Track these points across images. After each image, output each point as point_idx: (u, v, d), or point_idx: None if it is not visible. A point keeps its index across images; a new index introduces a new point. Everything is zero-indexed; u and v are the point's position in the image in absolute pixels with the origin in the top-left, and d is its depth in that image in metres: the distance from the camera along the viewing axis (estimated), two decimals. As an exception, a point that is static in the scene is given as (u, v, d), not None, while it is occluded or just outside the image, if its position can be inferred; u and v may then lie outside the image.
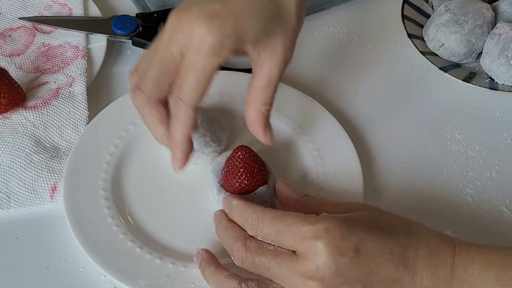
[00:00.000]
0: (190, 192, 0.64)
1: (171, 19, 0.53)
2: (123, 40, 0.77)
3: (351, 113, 0.74)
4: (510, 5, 0.76)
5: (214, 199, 0.61)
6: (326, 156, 0.67)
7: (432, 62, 0.76)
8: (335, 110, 0.73)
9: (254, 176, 0.59)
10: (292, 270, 0.49)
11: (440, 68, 0.75)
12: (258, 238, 0.52)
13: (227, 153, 0.62)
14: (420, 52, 0.76)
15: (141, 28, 0.77)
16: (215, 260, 0.55)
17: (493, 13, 0.76)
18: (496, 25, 0.75)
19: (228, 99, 0.71)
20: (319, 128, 0.69)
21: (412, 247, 0.50)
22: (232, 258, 0.53)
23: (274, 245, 0.51)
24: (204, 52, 0.50)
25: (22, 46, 0.76)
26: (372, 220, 0.52)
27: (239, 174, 0.59)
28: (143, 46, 0.76)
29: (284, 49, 0.54)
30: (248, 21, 0.52)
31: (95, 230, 0.60)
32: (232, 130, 0.69)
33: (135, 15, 0.78)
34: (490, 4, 0.77)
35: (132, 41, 0.76)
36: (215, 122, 0.65)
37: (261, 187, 0.59)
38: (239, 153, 0.59)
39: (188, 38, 0.51)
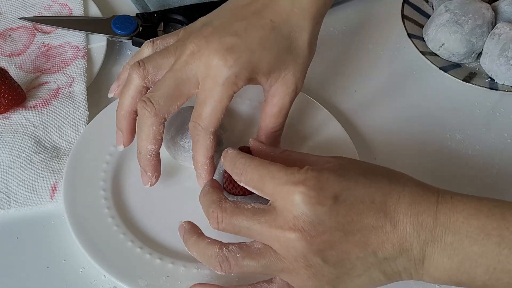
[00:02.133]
0: (191, 192, 0.64)
1: (191, 45, 0.57)
2: (123, 40, 0.77)
3: (351, 112, 0.74)
4: (510, 5, 0.76)
5: None
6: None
7: (432, 62, 0.76)
8: (335, 110, 0.73)
9: None
10: (272, 223, 0.49)
11: (440, 68, 0.75)
12: (241, 184, 0.53)
13: None
14: (420, 52, 0.76)
15: (141, 28, 0.77)
16: (197, 230, 0.55)
17: (493, 13, 0.76)
18: (496, 25, 0.75)
19: None
20: (319, 128, 0.69)
21: (393, 195, 0.49)
22: (209, 222, 0.53)
23: (251, 204, 0.51)
24: (221, 83, 0.55)
25: (22, 46, 0.76)
26: (353, 169, 0.51)
27: None
28: None
29: (295, 80, 0.59)
30: (262, 55, 0.57)
31: (95, 230, 0.60)
32: (232, 130, 0.69)
33: (135, 15, 0.78)
34: (490, 4, 0.77)
35: (132, 41, 0.76)
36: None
37: None
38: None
39: (206, 69, 0.56)
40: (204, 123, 0.57)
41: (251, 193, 0.59)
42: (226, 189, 0.60)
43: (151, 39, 0.63)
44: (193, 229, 0.55)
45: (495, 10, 0.77)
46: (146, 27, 0.77)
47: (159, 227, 0.62)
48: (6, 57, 0.75)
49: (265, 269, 0.51)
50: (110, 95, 0.65)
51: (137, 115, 0.59)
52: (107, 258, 0.58)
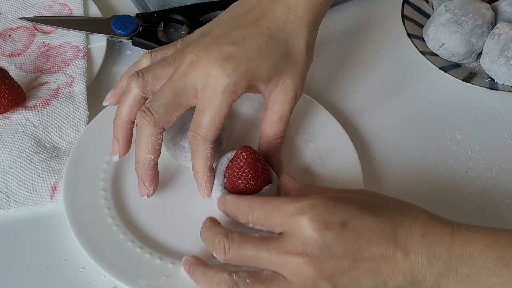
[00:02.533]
0: (191, 192, 0.64)
1: (189, 55, 0.57)
2: (123, 40, 0.77)
3: (351, 113, 0.74)
4: (510, 5, 0.76)
5: None
6: (326, 156, 0.67)
7: (432, 62, 0.76)
8: (335, 110, 0.73)
9: (259, 175, 0.59)
10: (281, 250, 0.49)
11: (440, 68, 0.75)
12: (249, 225, 0.53)
13: (229, 155, 0.62)
14: (420, 52, 0.76)
15: (141, 28, 0.77)
16: (203, 262, 0.55)
17: (493, 13, 0.76)
18: (496, 25, 0.75)
19: None
20: (319, 128, 0.69)
21: (404, 226, 0.49)
22: (214, 254, 0.53)
23: (257, 233, 0.52)
24: (220, 92, 0.56)
25: (22, 46, 0.76)
26: (365, 200, 0.51)
27: (244, 174, 0.58)
28: (143, 46, 0.76)
29: (294, 87, 0.59)
30: (261, 62, 0.57)
31: (95, 230, 0.60)
32: (232, 130, 0.69)
33: (135, 15, 0.78)
34: (490, 4, 0.77)
35: (132, 41, 0.76)
36: None
37: (266, 187, 0.59)
38: (243, 153, 0.59)
39: (205, 78, 0.56)
40: (203, 132, 0.57)
41: (254, 191, 0.59)
42: (228, 188, 0.60)
43: (149, 50, 0.64)
44: (198, 262, 0.55)
45: (495, 10, 0.77)
46: (146, 27, 0.77)
47: (159, 227, 0.62)
48: (6, 57, 0.75)
49: None
50: (105, 103, 0.65)
51: (134, 125, 0.60)
52: (107, 258, 0.58)
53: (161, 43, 0.76)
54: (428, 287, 0.48)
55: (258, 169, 0.59)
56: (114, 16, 0.77)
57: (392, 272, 0.48)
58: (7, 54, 0.75)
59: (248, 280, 0.51)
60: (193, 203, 0.64)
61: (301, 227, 0.48)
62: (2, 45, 0.76)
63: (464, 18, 0.74)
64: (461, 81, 0.74)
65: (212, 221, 0.55)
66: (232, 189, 0.59)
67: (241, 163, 0.59)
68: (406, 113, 0.75)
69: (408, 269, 0.48)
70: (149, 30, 0.77)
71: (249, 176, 0.59)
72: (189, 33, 0.77)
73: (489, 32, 0.75)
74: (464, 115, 0.75)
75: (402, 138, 0.72)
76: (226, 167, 0.61)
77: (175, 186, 0.65)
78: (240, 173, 0.59)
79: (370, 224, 0.49)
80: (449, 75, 0.75)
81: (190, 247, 0.60)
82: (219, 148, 0.65)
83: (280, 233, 0.50)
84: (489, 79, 0.76)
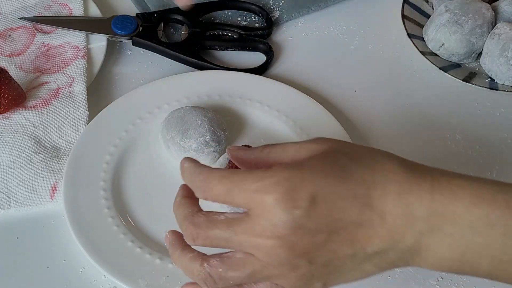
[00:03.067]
0: None
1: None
2: (123, 40, 0.77)
3: (351, 113, 0.74)
4: (510, 5, 0.76)
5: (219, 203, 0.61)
6: None
7: (432, 62, 0.76)
8: (335, 110, 0.73)
9: None
10: (250, 232, 0.46)
11: (440, 68, 0.75)
12: (208, 200, 0.49)
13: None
14: (420, 52, 0.76)
15: (141, 28, 0.77)
16: (181, 241, 0.51)
17: (493, 13, 0.76)
18: (496, 25, 0.75)
19: (228, 99, 0.72)
20: (319, 128, 0.69)
21: (378, 186, 0.45)
22: (185, 238, 0.50)
23: (223, 214, 0.48)
24: None
25: (22, 46, 0.76)
26: (332, 162, 0.47)
27: None
28: (143, 46, 0.76)
29: None
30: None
31: (95, 230, 0.60)
32: (232, 129, 0.69)
33: (135, 15, 0.78)
34: (490, 4, 0.77)
35: (132, 41, 0.76)
36: (215, 122, 0.65)
37: None
38: None
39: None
40: None
41: None
42: None
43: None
44: (177, 241, 0.51)
45: (495, 10, 0.77)
46: (146, 27, 0.77)
47: (159, 227, 0.62)
48: (6, 57, 0.75)
49: (251, 278, 0.48)
50: None
51: None
52: (107, 258, 0.58)
53: (161, 43, 0.76)
54: (408, 246, 0.45)
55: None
56: (114, 16, 0.77)
57: (369, 237, 0.45)
58: (7, 54, 0.75)
59: (220, 269, 0.48)
60: (202, 203, 0.64)
61: (267, 208, 0.45)
62: (2, 45, 0.76)
63: (464, 18, 0.74)
64: (461, 81, 0.74)
65: (183, 195, 0.51)
66: None
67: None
68: (406, 113, 0.75)
69: (386, 232, 0.45)
70: (149, 30, 0.77)
71: None
72: (189, 33, 0.77)
73: (489, 32, 0.75)
74: (464, 115, 0.75)
75: (402, 138, 0.72)
76: (225, 167, 0.61)
77: (176, 187, 0.65)
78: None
79: (341, 192, 0.45)
80: (449, 75, 0.75)
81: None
82: (219, 148, 0.65)
83: (246, 213, 0.46)
84: (489, 79, 0.76)
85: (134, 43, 0.76)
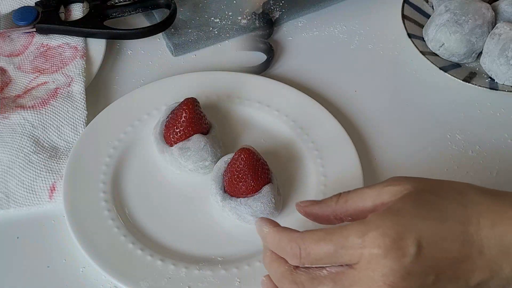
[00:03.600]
0: (191, 193, 0.64)
1: None
2: (28, 30, 0.77)
3: (351, 113, 0.74)
4: (510, 5, 0.76)
5: (219, 206, 0.61)
6: (326, 156, 0.67)
7: (432, 62, 0.75)
8: (335, 110, 0.72)
9: (259, 175, 0.59)
10: (359, 286, 0.46)
11: (440, 68, 0.75)
12: (306, 265, 0.48)
13: (226, 158, 0.62)
14: (420, 52, 0.76)
15: (42, 14, 0.77)
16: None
17: (493, 13, 0.76)
18: (496, 25, 0.75)
19: (226, 100, 0.72)
20: (319, 128, 0.69)
21: (472, 221, 0.47)
22: None
23: (324, 269, 0.48)
24: None
25: (21, 47, 0.76)
26: (424, 203, 0.49)
27: (244, 176, 0.59)
28: (47, 31, 0.77)
29: None
30: None
31: (95, 233, 0.60)
32: (231, 131, 0.69)
33: (34, 5, 0.78)
34: (490, 4, 0.77)
35: (36, 29, 0.76)
36: (216, 144, 0.65)
37: (266, 186, 0.59)
38: (242, 155, 0.59)
39: None
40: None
41: (253, 193, 0.59)
42: (228, 191, 0.60)
43: None
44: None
45: (495, 10, 0.77)
46: (47, 12, 0.77)
47: (160, 228, 0.62)
48: (5, 57, 0.74)
49: None
50: None
51: None
52: (108, 260, 0.58)
53: (63, 23, 0.77)
54: (506, 274, 0.47)
55: (258, 169, 0.59)
56: (13, 10, 0.77)
57: (471, 271, 0.47)
58: (6, 54, 0.75)
59: None
60: (194, 204, 0.64)
61: (376, 260, 0.46)
62: (1, 45, 0.76)
63: (464, 18, 0.74)
64: (461, 81, 0.74)
65: (272, 257, 0.50)
66: (233, 192, 0.60)
67: (241, 166, 0.59)
68: (406, 113, 0.74)
69: (485, 264, 0.47)
70: (51, 15, 0.77)
71: (250, 178, 0.59)
72: (89, 8, 0.78)
73: (489, 32, 0.75)
74: (464, 115, 0.75)
75: (402, 138, 0.72)
76: (224, 171, 0.61)
77: (175, 188, 0.65)
78: (239, 175, 0.59)
79: (442, 233, 0.47)
80: (449, 75, 0.75)
81: (191, 248, 0.60)
82: (217, 155, 0.65)
83: (351, 267, 0.47)
84: (489, 79, 0.75)
85: (38, 31, 0.77)
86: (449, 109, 0.75)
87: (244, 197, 0.60)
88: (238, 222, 0.61)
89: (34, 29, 0.76)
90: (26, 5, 0.78)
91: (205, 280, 0.57)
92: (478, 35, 0.75)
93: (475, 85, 0.74)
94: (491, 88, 0.74)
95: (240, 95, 0.72)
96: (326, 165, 0.66)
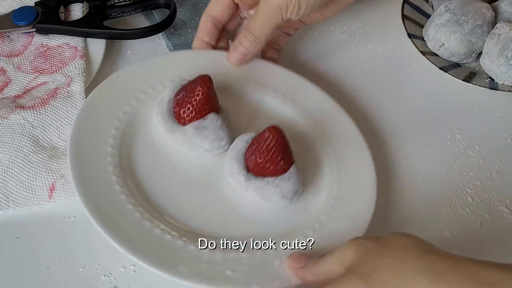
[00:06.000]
0: (207, 174, 0.63)
1: None
2: (27, 30, 0.77)
3: (351, 113, 0.73)
4: (510, 5, 0.76)
5: (241, 186, 0.60)
6: (340, 153, 0.66)
7: (432, 62, 0.76)
8: (335, 110, 0.73)
9: (288, 155, 0.58)
10: None
11: (440, 68, 0.75)
12: None
13: (246, 137, 0.61)
14: (420, 52, 0.76)
15: (41, 15, 0.77)
16: None
17: (493, 13, 0.76)
18: (496, 25, 0.75)
19: (232, 81, 0.70)
20: (333, 124, 0.68)
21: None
22: None
23: None
24: None
25: (20, 47, 0.76)
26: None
27: (274, 156, 0.57)
28: (47, 31, 0.77)
29: None
30: None
31: (120, 221, 0.57)
32: (236, 113, 0.67)
33: (34, 5, 0.78)
34: (490, 4, 0.77)
35: (36, 29, 0.76)
36: (229, 123, 0.64)
37: (293, 166, 0.59)
38: (273, 133, 0.57)
39: None
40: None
41: (282, 173, 0.58)
42: (253, 172, 0.59)
43: None
44: None
45: (495, 10, 0.77)
46: (47, 12, 0.77)
47: (183, 212, 0.60)
48: (4, 57, 0.74)
49: None
50: None
51: None
52: (141, 250, 0.55)
53: (63, 23, 0.77)
54: None
55: (287, 148, 0.58)
56: (13, 10, 0.77)
57: None
58: (6, 54, 0.75)
59: None
60: (212, 186, 0.62)
61: None
62: (1, 45, 0.76)
63: (464, 18, 0.74)
64: (461, 81, 0.74)
65: None
66: (259, 172, 0.59)
67: (271, 144, 0.57)
68: (406, 113, 0.75)
69: None
70: (50, 15, 0.77)
71: (280, 157, 0.57)
72: (89, 8, 0.78)
73: (489, 32, 0.75)
74: (464, 115, 0.75)
75: (402, 137, 0.72)
76: (246, 150, 0.60)
77: (192, 170, 0.63)
78: (270, 155, 0.57)
79: None
80: (449, 75, 0.75)
81: (218, 232, 0.59)
82: (232, 135, 0.63)
83: None
84: (489, 79, 0.76)
85: (38, 31, 0.77)
86: (449, 109, 0.75)
87: (273, 177, 0.58)
88: (260, 203, 0.60)
89: (34, 29, 0.76)
90: (26, 5, 0.78)
91: (244, 262, 0.56)
92: (478, 35, 0.75)
93: (475, 85, 0.74)
94: (491, 88, 0.74)
95: (246, 77, 0.70)
96: (338, 153, 0.66)
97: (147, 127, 0.65)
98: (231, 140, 0.62)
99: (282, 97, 0.70)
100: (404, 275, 0.48)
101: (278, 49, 0.76)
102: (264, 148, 0.57)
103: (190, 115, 0.61)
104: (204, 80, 0.61)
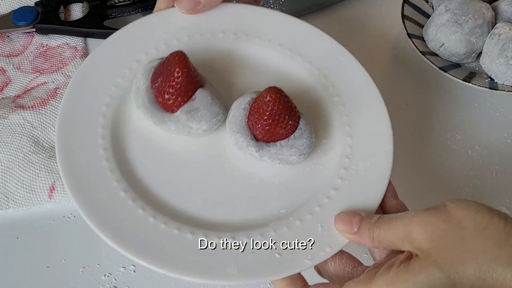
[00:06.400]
0: (212, 154, 0.57)
1: None
2: (27, 30, 0.77)
3: (351, 113, 0.74)
4: (510, 5, 0.76)
5: (254, 157, 0.55)
6: (353, 115, 0.60)
7: (432, 62, 0.75)
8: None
9: (294, 113, 0.54)
10: None
11: (440, 68, 0.75)
12: None
13: (241, 105, 0.56)
14: (420, 52, 0.76)
15: (41, 15, 0.77)
16: None
17: (493, 13, 0.76)
18: (496, 25, 0.75)
19: (232, 37, 0.63)
20: (346, 79, 0.62)
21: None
22: None
23: None
24: None
25: (20, 47, 0.76)
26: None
27: (281, 118, 0.53)
28: (47, 31, 0.77)
29: None
30: None
31: (140, 238, 0.51)
32: (226, 76, 0.61)
33: (34, 5, 0.78)
34: (490, 4, 0.77)
35: (35, 29, 0.77)
36: (217, 92, 0.58)
37: (301, 120, 0.55)
38: (272, 96, 0.53)
39: None
40: None
41: (292, 132, 0.55)
42: (264, 139, 0.55)
43: None
44: None
45: (495, 10, 0.77)
46: (46, 12, 0.77)
47: (203, 205, 0.54)
48: (4, 57, 0.74)
49: None
50: None
51: None
52: (173, 261, 0.50)
53: (63, 23, 0.77)
54: None
55: (290, 105, 0.54)
56: (13, 10, 0.78)
57: None
58: (6, 54, 0.75)
59: None
60: (223, 166, 0.56)
61: None
62: (0, 45, 0.76)
63: (464, 18, 0.74)
64: (461, 81, 0.74)
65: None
66: (269, 139, 0.55)
67: (275, 107, 0.53)
68: (406, 113, 0.75)
69: None
70: (50, 15, 0.77)
71: (287, 118, 0.54)
72: (89, 8, 0.78)
73: (489, 32, 0.75)
74: (464, 115, 0.75)
75: (402, 138, 0.72)
76: (248, 119, 0.55)
77: (195, 155, 0.57)
78: (276, 118, 0.53)
79: None
80: (449, 75, 0.75)
81: (246, 214, 0.54)
82: (225, 104, 0.58)
83: None
84: (489, 79, 0.76)
85: (38, 31, 0.77)
86: (449, 109, 0.75)
87: (284, 139, 0.55)
88: (278, 169, 0.56)
89: (34, 29, 0.76)
90: (26, 5, 0.78)
91: (286, 236, 0.52)
92: (478, 35, 0.75)
93: (475, 85, 0.74)
94: (490, 88, 0.74)
95: (228, 30, 0.62)
96: (352, 124, 0.60)
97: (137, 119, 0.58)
98: (226, 109, 0.57)
99: (272, 46, 0.63)
100: (487, 268, 0.44)
101: None
102: (268, 113, 0.53)
103: (177, 101, 0.55)
104: (180, 59, 0.54)
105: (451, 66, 0.76)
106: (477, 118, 0.74)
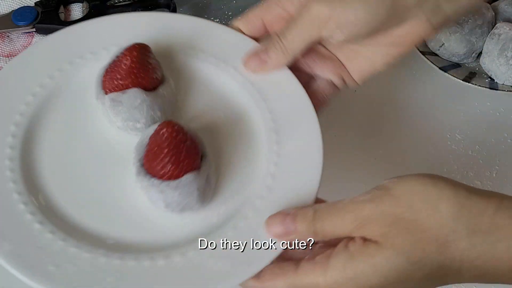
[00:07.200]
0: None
1: None
2: (27, 30, 0.77)
3: (351, 113, 0.74)
4: (510, 5, 0.76)
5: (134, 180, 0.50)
6: (284, 132, 0.55)
7: (432, 62, 0.75)
8: (334, 110, 0.72)
9: (181, 160, 0.47)
10: None
11: (440, 68, 0.75)
12: None
13: (151, 129, 0.50)
14: (420, 52, 0.76)
15: (41, 15, 0.77)
16: None
17: (493, 13, 0.76)
18: (496, 25, 0.75)
19: (186, 51, 0.59)
20: (280, 95, 0.57)
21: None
22: None
23: None
24: None
25: (20, 47, 0.76)
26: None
27: (162, 156, 0.47)
28: (47, 31, 0.76)
29: None
30: None
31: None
32: (185, 91, 0.58)
33: (34, 5, 0.78)
34: (490, 4, 0.77)
35: (35, 29, 0.76)
36: (159, 105, 0.54)
37: (189, 174, 0.48)
38: (164, 129, 0.47)
39: None
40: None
41: (169, 178, 0.48)
42: (145, 168, 0.49)
43: None
44: None
45: (495, 10, 0.77)
46: (46, 12, 0.77)
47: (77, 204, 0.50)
48: (4, 57, 0.74)
49: None
50: None
51: None
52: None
53: (63, 23, 0.76)
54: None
55: (182, 151, 0.47)
56: (13, 10, 0.77)
57: None
58: (6, 54, 0.75)
59: None
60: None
61: None
62: (0, 45, 0.76)
63: (464, 18, 0.74)
64: (461, 81, 0.74)
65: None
66: (150, 170, 0.49)
67: (160, 142, 0.48)
68: (406, 113, 0.74)
69: None
70: (50, 15, 0.77)
71: (167, 159, 0.47)
72: (89, 8, 0.78)
73: (489, 32, 0.75)
74: (464, 115, 0.75)
75: (402, 138, 0.72)
76: (147, 143, 0.50)
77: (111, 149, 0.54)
78: (158, 153, 0.48)
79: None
80: (449, 75, 0.75)
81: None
82: (154, 118, 0.53)
83: None
84: (489, 79, 0.75)
85: (38, 31, 0.76)
86: (449, 109, 0.75)
87: (159, 179, 0.48)
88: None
89: (34, 29, 0.76)
90: (26, 5, 0.78)
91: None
92: (478, 35, 0.75)
93: (475, 85, 0.74)
94: (491, 88, 0.74)
95: (203, 47, 0.59)
96: (281, 142, 0.54)
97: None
98: (152, 120, 0.53)
99: (233, 71, 0.58)
100: (447, 243, 0.43)
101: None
102: (154, 144, 0.48)
103: (113, 84, 0.52)
104: (132, 49, 0.51)
105: (451, 66, 0.76)
106: (477, 118, 0.74)
